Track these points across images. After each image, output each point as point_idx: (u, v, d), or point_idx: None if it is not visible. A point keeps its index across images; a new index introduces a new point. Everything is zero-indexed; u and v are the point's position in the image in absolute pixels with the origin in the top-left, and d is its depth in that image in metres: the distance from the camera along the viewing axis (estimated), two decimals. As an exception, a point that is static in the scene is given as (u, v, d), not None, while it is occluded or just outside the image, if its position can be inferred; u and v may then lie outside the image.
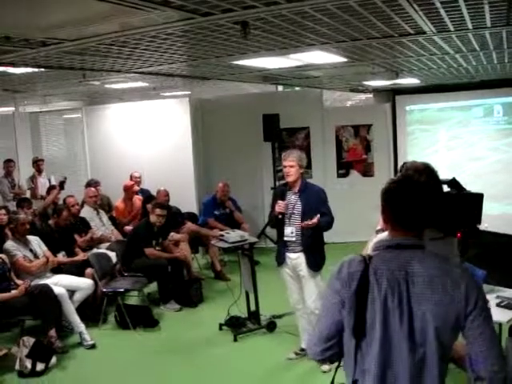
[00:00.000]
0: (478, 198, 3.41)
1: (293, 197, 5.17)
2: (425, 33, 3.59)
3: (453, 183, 3.70)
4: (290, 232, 5.15)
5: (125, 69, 4.76)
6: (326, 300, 2.27)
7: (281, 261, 5.32)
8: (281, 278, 5.51)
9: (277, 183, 9.49)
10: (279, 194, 5.26)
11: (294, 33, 3.31)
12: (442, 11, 2.91)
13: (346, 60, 4.83)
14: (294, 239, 5.16)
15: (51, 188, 8.69)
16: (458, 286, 2.07)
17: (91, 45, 3.25)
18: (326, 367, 4.73)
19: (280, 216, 5.12)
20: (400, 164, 9.68)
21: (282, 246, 5.27)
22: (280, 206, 5.09)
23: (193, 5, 2.52)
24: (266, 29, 3.11)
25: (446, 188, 3.78)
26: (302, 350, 5.36)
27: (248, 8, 2.58)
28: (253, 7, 2.56)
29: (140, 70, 4.85)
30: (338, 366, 2.35)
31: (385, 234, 2.89)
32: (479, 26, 3.44)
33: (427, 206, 2.21)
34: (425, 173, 2.96)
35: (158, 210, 7.26)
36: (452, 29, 3.49)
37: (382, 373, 2.10)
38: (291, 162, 5.07)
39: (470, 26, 3.39)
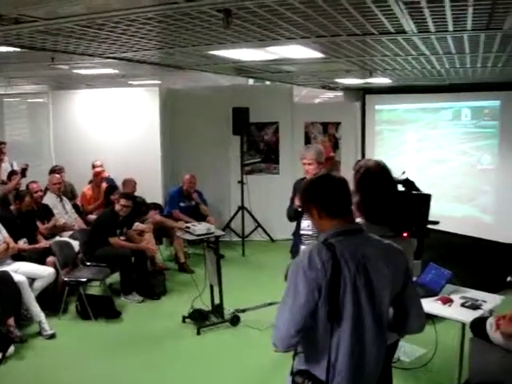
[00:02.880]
0: (426, 199, 3.45)
1: None
2: (405, 32, 3.58)
3: (406, 183, 3.73)
4: (307, 225, 5.14)
5: (98, 53, 4.64)
6: (299, 293, 2.32)
7: (295, 252, 5.29)
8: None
9: (244, 177, 9.48)
10: (299, 187, 5.26)
11: (275, 25, 3.27)
12: (426, 11, 2.91)
13: (322, 56, 4.80)
14: (310, 233, 5.17)
15: (12, 173, 8.47)
16: (399, 257, 2.51)
17: (67, 25, 3.15)
18: None
19: (300, 209, 5.13)
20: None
21: (298, 239, 5.27)
22: (299, 199, 5.11)
23: (177, -12, 2.46)
24: (248, 19, 3.06)
25: (400, 187, 3.82)
26: None
27: (233, -4, 2.54)
28: (239, -5, 2.52)
29: (114, 55, 4.74)
30: (296, 354, 2.50)
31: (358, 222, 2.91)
32: (460, 28, 3.45)
33: (347, 193, 2.50)
34: (377, 170, 2.97)
35: (123, 201, 7.16)
36: (433, 30, 3.49)
37: (353, 348, 2.35)
38: (310, 160, 5.15)
39: (451, 28, 3.40)
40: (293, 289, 2.34)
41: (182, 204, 8.84)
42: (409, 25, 3.34)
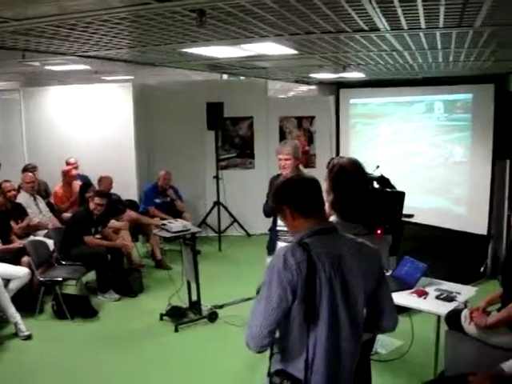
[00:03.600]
0: (399, 196, 3.48)
1: None
2: (379, 30, 3.60)
3: (381, 180, 3.76)
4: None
5: (70, 52, 4.58)
6: (272, 294, 2.33)
7: (271, 248, 5.29)
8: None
9: (219, 172, 9.48)
10: (275, 183, 5.25)
11: (249, 23, 3.26)
12: (398, 10, 2.93)
13: (296, 52, 4.81)
14: (286, 228, 5.16)
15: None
16: (372, 255, 2.54)
17: (38, 25, 3.11)
18: None
19: None
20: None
21: (274, 235, 5.25)
22: None
23: (151, -10, 2.44)
24: (221, 18, 3.04)
25: (375, 185, 3.83)
26: None
27: (208, -3, 2.52)
28: (213, -4, 2.51)
29: (86, 53, 4.69)
30: (272, 355, 2.53)
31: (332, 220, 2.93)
32: (432, 26, 3.49)
33: (319, 193, 2.51)
34: (352, 168, 2.99)
35: (97, 199, 7.10)
36: (406, 27, 3.51)
37: (330, 347, 2.38)
38: (286, 155, 5.09)
39: (423, 25, 3.43)
40: (267, 290, 2.35)
41: (157, 200, 8.81)
42: (382, 22, 3.36)
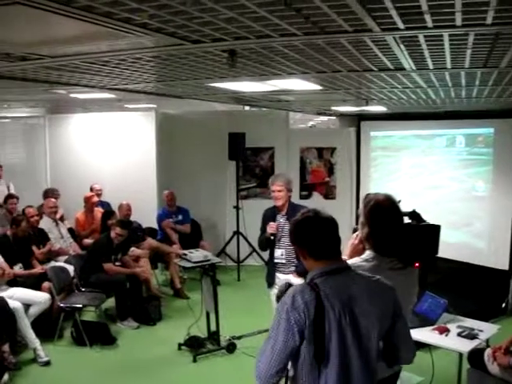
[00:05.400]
0: (435, 230, 3.51)
1: (282, 219, 5.26)
2: (404, 69, 3.65)
3: (413, 215, 3.79)
4: (280, 254, 5.22)
5: (100, 85, 4.69)
6: (279, 334, 2.35)
7: (271, 281, 5.34)
8: (270, 299, 5.45)
9: (240, 202, 9.50)
10: (269, 216, 5.34)
11: (277, 62, 3.32)
12: (426, 52, 2.97)
13: (321, 88, 4.87)
14: (284, 261, 5.22)
15: (9, 197, 8.46)
16: (387, 293, 2.52)
17: (72, 62, 3.20)
18: None
19: (272, 237, 5.18)
20: (362, 188, 9.84)
21: (272, 268, 5.32)
22: (272, 226, 5.17)
23: (185, 32, 2.50)
24: (251, 58, 3.11)
25: (406, 219, 3.86)
26: None
27: (240, 39, 2.58)
28: (244, 38, 2.56)
29: (116, 86, 4.79)
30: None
31: (356, 259, 2.97)
32: (457, 66, 3.53)
33: (334, 235, 2.51)
34: (387, 204, 3.04)
35: (118, 229, 7.15)
36: (431, 67, 3.56)
37: None
38: (279, 187, 5.17)
39: (449, 65, 3.47)
40: (276, 328, 2.37)
41: (171, 220, 8.96)
42: (408, 63, 3.40)
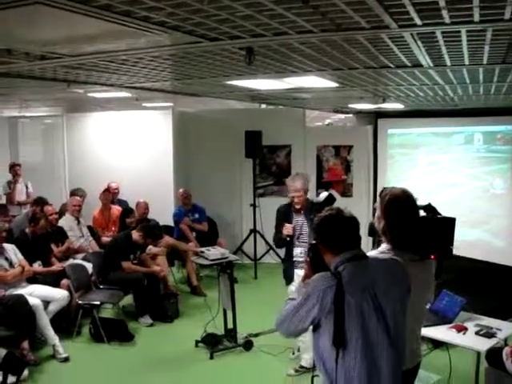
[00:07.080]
0: (450, 222, 3.53)
1: (300, 218, 5.32)
2: (422, 66, 3.64)
3: (428, 208, 3.79)
4: (300, 252, 5.27)
5: (118, 83, 4.73)
6: (303, 310, 2.53)
7: (290, 279, 5.37)
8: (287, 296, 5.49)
9: (256, 200, 9.51)
10: (283, 215, 5.40)
11: (294, 60, 3.33)
12: (443, 48, 2.96)
13: (337, 85, 4.86)
14: (302, 259, 5.23)
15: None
16: (400, 272, 2.67)
17: (91, 61, 3.23)
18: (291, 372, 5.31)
19: (288, 238, 5.22)
20: (379, 186, 9.78)
21: (290, 265, 5.37)
22: (288, 229, 5.25)
23: (202, 30, 2.51)
24: (268, 55, 3.12)
25: (422, 213, 3.88)
26: (302, 367, 5.39)
27: (257, 36, 2.59)
28: (261, 36, 2.58)
29: (133, 85, 4.83)
30: (314, 376, 2.82)
31: (373, 252, 3.00)
32: (475, 63, 3.51)
33: (355, 231, 2.65)
34: (404, 198, 3.06)
35: (140, 236, 7.21)
36: (449, 64, 3.54)
37: (366, 372, 2.44)
38: (298, 193, 5.26)
39: (467, 62, 3.45)
40: (305, 295, 2.54)
41: (188, 219, 8.97)
42: (425, 59, 3.39)
